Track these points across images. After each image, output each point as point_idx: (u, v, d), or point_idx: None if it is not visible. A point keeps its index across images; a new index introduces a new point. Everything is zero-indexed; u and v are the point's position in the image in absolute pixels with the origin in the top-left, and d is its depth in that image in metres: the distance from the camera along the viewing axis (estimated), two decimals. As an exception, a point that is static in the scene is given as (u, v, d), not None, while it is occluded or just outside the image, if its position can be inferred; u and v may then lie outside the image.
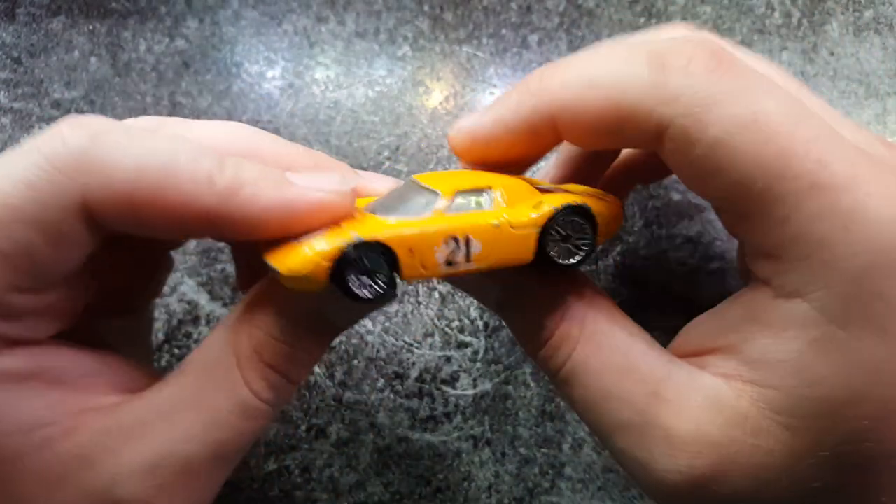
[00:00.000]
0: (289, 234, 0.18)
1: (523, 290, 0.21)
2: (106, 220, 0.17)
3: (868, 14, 0.35)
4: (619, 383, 0.19)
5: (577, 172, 0.26)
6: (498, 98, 0.20)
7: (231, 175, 0.17)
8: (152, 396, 0.19)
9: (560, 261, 0.19)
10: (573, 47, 0.35)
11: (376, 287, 0.18)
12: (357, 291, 0.17)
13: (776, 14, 0.35)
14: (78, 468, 0.18)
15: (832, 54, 0.34)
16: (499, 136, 0.20)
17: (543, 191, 0.20)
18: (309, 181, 0.18)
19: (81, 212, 0.17)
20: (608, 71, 0.18)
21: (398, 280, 0.18)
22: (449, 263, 0.18)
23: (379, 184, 0.21)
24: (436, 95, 0.34)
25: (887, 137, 0.34)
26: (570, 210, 0.19)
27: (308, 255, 0.17)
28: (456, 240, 0.18)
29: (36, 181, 0.16)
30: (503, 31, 0.35)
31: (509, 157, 0.21)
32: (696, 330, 0.20)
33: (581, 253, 0.20)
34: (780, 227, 0.16)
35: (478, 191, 0.19)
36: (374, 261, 0.17)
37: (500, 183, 0.20)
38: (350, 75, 0.34)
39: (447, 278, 0.20)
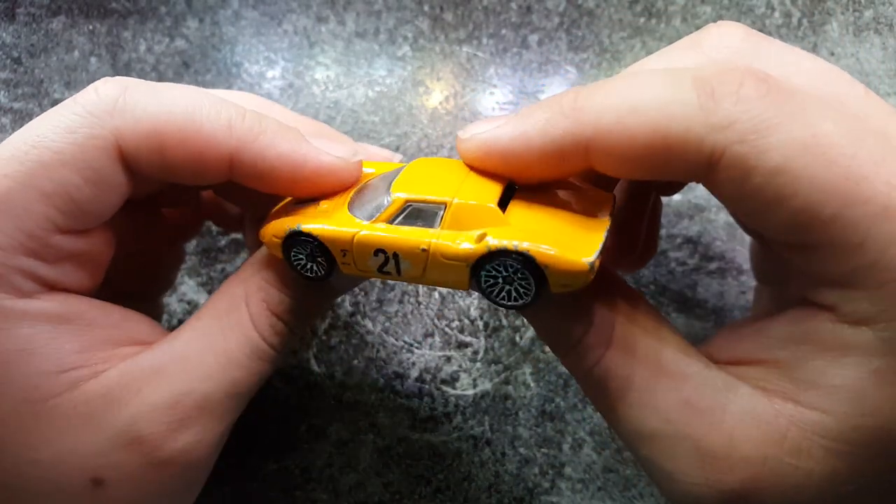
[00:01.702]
0: (297, 192, 0.20)
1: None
2: (137, 161, 0.19)
3: (868, 14, 0.35)
4: (648, 390, 0.18)
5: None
6: (521, 112, 0.18)
7: (250, 123, 0.19)
8: (171, 342, 0.21)
9: (499, 300, 0.18)
10: (573, 47, 0.35)
11: (317, 269, 0.20)
12: (300, 269, 0.20)
13: (776, 14, 0.35)
14: (103, 407, 0.19)
15: (832, 54, 0.34)
16: (518, 154, 0.18)
17: (531, 201, 0.19)
18: (322, 145, 0.20)
19: (116, 153, 0.18)
20: (652, 96, 0.16)
21: (338, 268, 0.20)
22: (382, 271, 0.19)
23: (378, 156, 0.22)
24: (436, 95, 0.34)
25: (887, 137, 0.34)
26: (503, 254, 0.17)
27: (269, 230, 0.20)
28: (384, 253, 0.19)
29: (73, 125, 0.18)
30: (503, 31, 0.35)
31: (526, 176, 0.19)
32: (736, 338, 0.19)
33: (524, 299, 0.18)
34: (851, 254, 0.15)
35: (432, 204, 0.18)
36: (314, 249, 0.20)
37: (470, 195, 0.18)
38: (350, 75, 0.34)
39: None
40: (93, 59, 0.34)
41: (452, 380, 0.31)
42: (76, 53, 0.34)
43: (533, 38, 0.35)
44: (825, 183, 0.15)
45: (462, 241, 0.17)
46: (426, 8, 0.35)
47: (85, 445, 0.19)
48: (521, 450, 0.31)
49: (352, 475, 0.30)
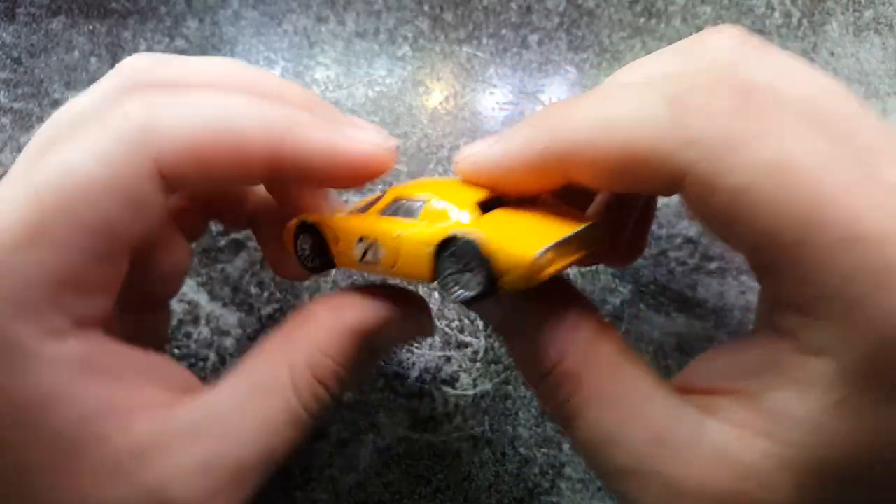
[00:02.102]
0: (337, 180, 0.20)
1: (521, 319, 0.20)
2: (178, 179, 0.18)
3: (868, 14, 0.35)
4: (620, 428, 0.18)
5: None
6: (507, 131, 0.19)
7: (283, 119, 0.19)
8: (208, 399, 0.19)
9: (447, 291, 0.18)
10: (573, 47, 0.35)
11: (317, 260, 0.22)
12: (301, 258, 0.22)
13: (776, 14, 0.35)
14: (132, 464, 0.18)
15: (832, 54, 0.34)
16: (504, 171, 0.19)
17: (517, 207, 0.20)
18: (358, 131, 0.20)
19: (155, 176, 0.18)
20: (624, 111, 0.17)
21: (334, 262, 0.22)
22: (364, 261, 0.20)
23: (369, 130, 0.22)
24: (436, 95, 0.34)
25: (887, 137, 0.34)
26: (455, 241, 0.17)
27: (290, 223, 0.22)
28: (366, 241, 0.20)
29: (109, 154, 0.17)
30: (503, 31, 0.35)
31: (515, 190, 0.20)
32: (710, 367, 0.19)
33: (473, 291, 0.18)
34: (810, 282, 0.15)
35: (415, 200, 0.19)
36: (316, 241, 0.21)
37: (450, 196, 0.19)
38: (350, 75, 0.34)
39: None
40: (93, 59, 0.34)
41: (452, 380, 0.31)
42: (76, 53, 0.34)
43: (533, 38, 0.35)
44: (789, 207, 0.15)
45: (429, 229, 0.18)
46: (426, 8, 0.35)
47: (112, 501, 0.18)
48: (521, 450, 0.31)
49: (352, 475, 0.30)
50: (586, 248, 0.19)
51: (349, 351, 0.20)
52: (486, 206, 0.19)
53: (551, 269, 0.17)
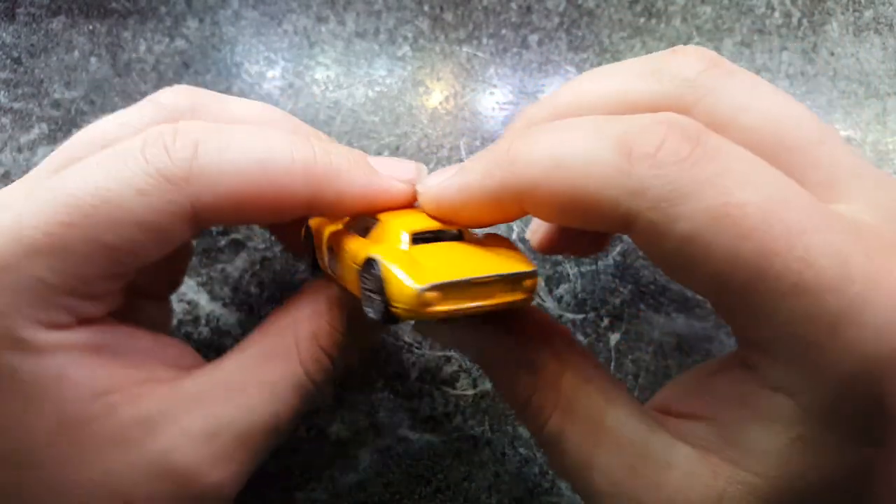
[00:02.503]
0: (365, 213, 0.21)
1: (495, 351, 0.20)
2: (212, 220, 0.19)
3: (868, 14, 0.35)
4: (594, 454, 0.18)
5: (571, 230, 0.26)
6: (468, 162, 0.19)
7: (324, 165, 0.19)
8: (213, 370, 0.20)
9: (364, 309, 0.19)
10: (573, 47, 0.35)
11: (310, 260, 0.23)
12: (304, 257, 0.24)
13: (776, 14, 0.35)
14: (140, 434, 0.19)
15: (832, 54, 0.34)
16: (463, 204, 0.19)
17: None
18: (388, 170, 0.21)
19: (189, 217, 0.18)
20: (573, 153, 0.17)
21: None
22: (330, 268, 0.22)
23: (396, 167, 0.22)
24: (436, 95, 0.34)
25: (887, 137, 0.34)
26: (369, 262, 0.18)
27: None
28: (332, 251, 0.21)
29: (147, 189, 0.17)
30: (503, 31, 0.35)
31: (475, 222, 0.20)
32: (683, 391, 0.20)
33: (375, 314, 0.18)
34: (763, 324, 0.16)
35: (371, 220, 0.20)
36: (312, 246, 0.23)
37: (397, 221, 0.20)
38: (350, 75, 0.34)
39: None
40: (93, 59, 0.34)
41: (452, 380, 0.31)
42: (76, 53, 0.34)
43: (533, 38, 0.35)
44: (735, 255, 0.15)
45: (362, 249, 0.19)
46: (426, 8, 0.35)
47: (119, 471, 0.18)
48: (521, 450, 0.31)
49: (352, 475, 0.30)
50: (504, 294, 0.18)
51: (352, 323, 0.22)
52: (437, 237, 0.19)
53: (443, 307, 0.17)
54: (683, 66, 0.19)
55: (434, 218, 0.20)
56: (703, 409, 0.18)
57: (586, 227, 0.18)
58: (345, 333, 0.22)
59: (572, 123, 0.18)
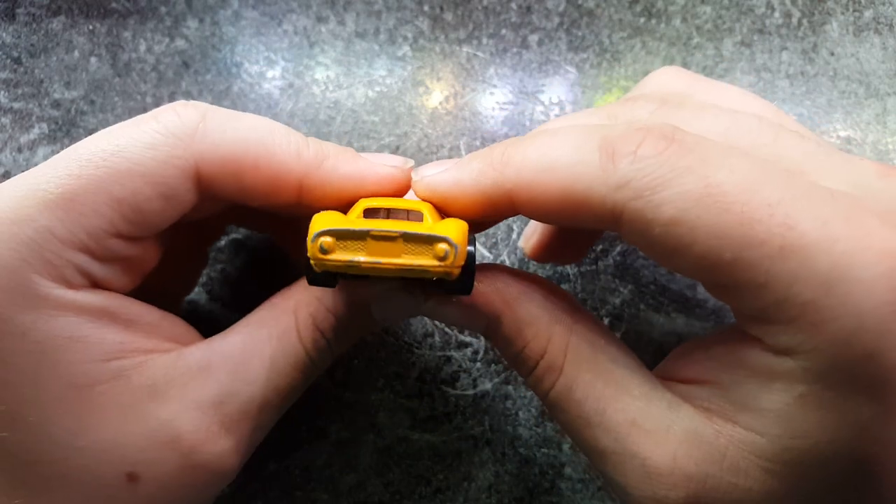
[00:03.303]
0: (356, 199, 0.21)
1: (503, 319, 0.21)
2: (213, 183, 0.20)
3: (868, 14, 0.35)
4: (599, 412, 0.19)
5: (563, 236, 0.27)
6: (464, 158, 0.20)
7: (315, 150, 0.21)
8: (219, 342, 0.21)
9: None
10: (573, 47, 0.35)
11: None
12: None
13: (776, 14, 0.35)
14: (147, 399, 0.19)
15: (832, 54, 0.34)
16: (455, 198, 0.20)
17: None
18: (376, 158, 0.22)
19: (194, 174, 0.19)
20: (561, 155, 0.18)
21: None
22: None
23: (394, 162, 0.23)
24: (436, 95, 0.34)
25: (887, 137, 0.34)
26: None
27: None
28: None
29: (156, 143, 0.19)
30: (503, 31, 0.35)
31: (466, 215, 0.21)
32: (685, 357, 0.20)
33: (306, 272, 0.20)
34: (759, 293, 0.16)
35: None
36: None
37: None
38: (350, 75, 0.34)
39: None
40: (93, 59, 0.34)
41: (452, 380, 0.31)
42: (76, 53, 0.34)
43: (533, 39, 0.35)
44: (720, 230, 0.16)
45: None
46: (426, 8, 0.35)
47: (125, 437, 0.19)
48: (521, 450, 0.31)
49: (352, 475, 0.30)
50: (411, 256, 0.18)
51: (347, 309, 0.22)
52: (392, 214, 0.20)
53: (340, 256, 0.17)
54: (661, 81, 0.21)
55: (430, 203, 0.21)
56: (704, 374, 0.19)
57: (576, 224, 0.19)
58: (342, 319, 0.22)
59: (559, 131, 0.19)
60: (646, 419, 0.19)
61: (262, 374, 0.20)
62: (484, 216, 0.21)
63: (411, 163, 0.22)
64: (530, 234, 0.28)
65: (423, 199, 0.21)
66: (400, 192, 0.22)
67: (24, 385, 0.18)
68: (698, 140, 0.17)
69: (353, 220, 0.18)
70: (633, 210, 0.17)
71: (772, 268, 0.16)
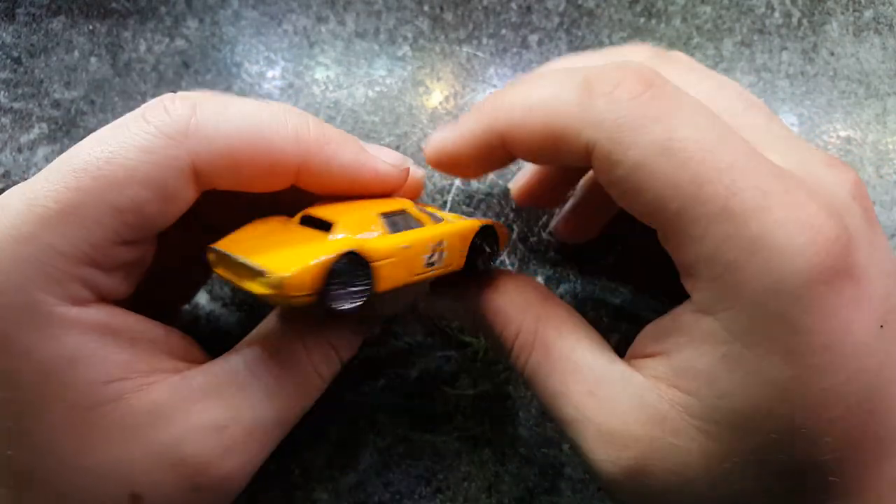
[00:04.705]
0: (352, 194, 0.22)
1: (486, 308, 0.23)
2: (211, 177, 0.19)
3: (868, 14, 0.35)
4: (563, 383, 0.21)
5: (545, 182, 0.29)
6: (462, 115, 0.22)
7: (315, 133, 0.20)
8: (223, 364, 0.21)
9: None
10: (573, 47, 0.35)
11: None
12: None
13: (776, 14, 0.35)
14: (149, 423, 0.19)
15: (832, 54, 0.34)
16: (461, 151, 0.22)
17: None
18: (377, 152, 0.22)
19: (191, 172, 0.19)
20: (544, 95, 0.19)
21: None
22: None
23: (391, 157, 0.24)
24: (436, 95, 0.34)
25: (887, 137, 0.34)
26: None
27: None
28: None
29: (149, 146, 0.18)
30: (503, 31, 0.35)
31: (473, 168, 0.23)
32: (643, 335, 0.22)
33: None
34: (693, 246, 0.18)
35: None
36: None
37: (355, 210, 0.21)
38: (350, 75, 0.34)
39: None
40: (93, 59, 0.34)
41: (452, 380, 0.31)
42: (76, 53, 0.34)
43: (533, 39, 0.35)
44: (674, 182, 0.17)
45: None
46: (426, 8, 0.35)
47: (129, 459, 0.19)
48: (521, 450, 0.31)
49: (352, 475, 0.30)
50: (249, 280, 0.18)
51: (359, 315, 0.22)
52: (319, 225, 0.20)
53: (220, 271, 0.20)
54: (637, 49, 0.23)
55: (437, 170, 0.23)
56: (656, 347, 0.20)
57: (559, 161, 0.20)
58: (351, 327, 0.22)
59: (544, 73, 0.21)
60: (601, 388, 0.20)
61: (266, 395, 0.20)
62: (485, 166, 0.23)
63: (410, 162, 0.23)
64: (519, 177, 0.30)
65: (434, 164, 0.23)
66: (393, 192, 0.23)
67: (29, 405, 0.18)
68: (674, 90, 0.18)
69: (249, 240, 0.20)
70: (602, 149, 0.18)
71: (709, 226, 0.17)
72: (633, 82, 0.18)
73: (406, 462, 0.31)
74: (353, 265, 0.18)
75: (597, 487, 0.30)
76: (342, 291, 0.18)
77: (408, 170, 0.23)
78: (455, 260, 0.22)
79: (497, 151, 0.21)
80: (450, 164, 0.23)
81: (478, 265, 0.23)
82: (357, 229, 0.20)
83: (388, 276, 0.20)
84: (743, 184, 0.17)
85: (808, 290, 0.16)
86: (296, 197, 0.22)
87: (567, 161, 0.20)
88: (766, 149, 0.18)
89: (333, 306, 0.18)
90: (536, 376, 0.22)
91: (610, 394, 0.20)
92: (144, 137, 0.18)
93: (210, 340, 0.27)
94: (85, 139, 0.19)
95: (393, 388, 0.31)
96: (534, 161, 0.22)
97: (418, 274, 0.21)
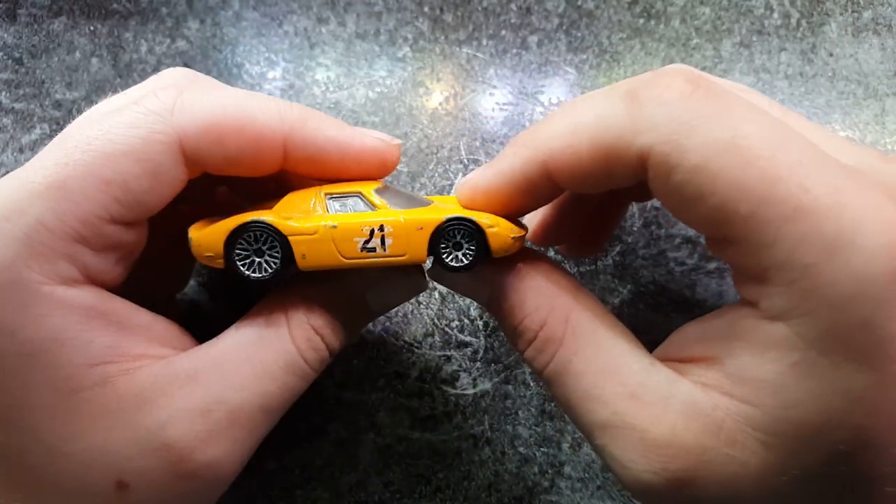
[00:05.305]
0: (345, 173, 0.22)
1: (506, 293, 0.21)
2: (198, 153, 0.20)
3: (867, 15, 0.35)
4: (598, 384, 0.19)
5: (561, 217, 0.27)
6: (498, 154, 0.21)
7: (298, 111, 0.21)
8: (208, 349, 0.21)
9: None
10: (572, 48, 0.35)
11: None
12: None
13: (775, 15, 0.35)
14: (133, 407, 0.19)
15: (831, 55, 0.34)
16: (499, 189, 0.20)
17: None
18: (364, 130, 0.22)
19: (178, 148, 0.19)
20: (587, 114, 0.18)
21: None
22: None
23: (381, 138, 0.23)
24: (436, 96, 0.34)
25: (886, 138, 0.34)
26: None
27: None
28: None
29: (137, 121, 0.19)
30: (503, 32, 0.35)
31: (512, 208, 0.21)
32: (682, 337, 0.21)
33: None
34: (765, 251, 0.16)
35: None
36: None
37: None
38: (350, 76, 0.34)
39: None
40: (94, 60, 0.34)
41: (452, 379, 0.31)
42: (77, 54, 0.34)
43: (532, 40, 0.35)
44: (742, 183, 0.16)
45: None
46: (426, 9, 0.35)
47: (114, 445, 0.18)
48: (521, 449, 0.31)
49: (352, 475, 0.30)
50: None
51: (343, 304, 0.22)
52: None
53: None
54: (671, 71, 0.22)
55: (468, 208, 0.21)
56: (701, 352, 0.19)
57: (608, 183, 0.19)
58: (338, 316, 0.22)
59: (584, 97, 0.19)
60: (645, 392, 0.19)
61: (251, 381, 0.20)
62: (529, 200, 0.21)
63: (398, 141, 0.22)
64: (532, 216, 0.28)
65: (467, 204, 0.21)
66: (384, 167, 0.22)
67: (15, 387, 0.18)
68: (724, 88, 0.17)
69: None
70: (658, 153, 0.17)
71: (782, 227, 0.16)
72: (680, 82, 0.17)
73: (406, 461, 0.31)
74: (260, 235, 0.20)
75: (597, 486, 0.30)
76: (249, 259, 0.20)
77: (398, 146, 0.22)
78: (411, 250, 0.21)
79: (539, 184, 0.20)
80: (484, 202, 0.21)
81: (445, 261, 0.21)
82: (294, 208, 0.21)
83: (312, 253, 0.20)
84: (815, 180, 0.16)
85: (893, 294, 0.15)
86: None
87: (618, 180, 0.19)
88: (823, 144, 0.17)
89: (239, 271, 0.20)
90: (564, 375, 0.20)
91: (656, 398, 0.18)
92: (133, 115, 0.19)
93: (201, 330, 0.27)
94: (78, 119, 0.20)
95: (393, 387, 0.31)
96: (580, 188, 0.20)
97: (354, 258, 0.20)
